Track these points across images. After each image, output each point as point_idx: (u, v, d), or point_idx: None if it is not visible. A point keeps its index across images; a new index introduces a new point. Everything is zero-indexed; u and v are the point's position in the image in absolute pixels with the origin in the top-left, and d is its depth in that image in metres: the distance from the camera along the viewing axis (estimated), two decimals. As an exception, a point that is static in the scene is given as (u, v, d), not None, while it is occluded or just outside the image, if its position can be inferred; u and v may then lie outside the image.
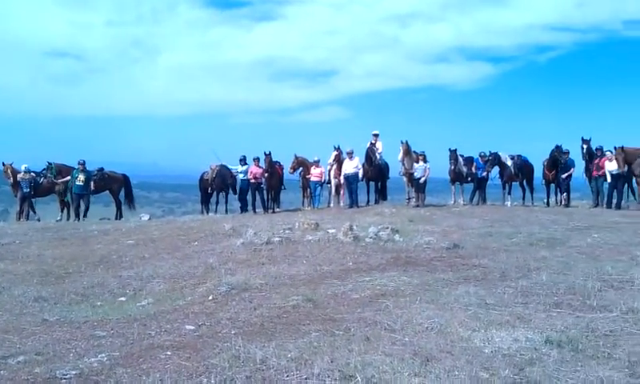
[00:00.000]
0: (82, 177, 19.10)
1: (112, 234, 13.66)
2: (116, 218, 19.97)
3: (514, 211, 16.91)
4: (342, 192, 19.79)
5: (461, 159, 19.72)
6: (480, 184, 19.73)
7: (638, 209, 16.82)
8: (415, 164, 18.64)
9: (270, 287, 7.66)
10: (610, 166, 17.47)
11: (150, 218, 18.93)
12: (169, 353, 5.06)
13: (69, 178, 19.47)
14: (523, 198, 20.09)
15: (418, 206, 18.09)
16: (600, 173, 17.94)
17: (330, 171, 19.76)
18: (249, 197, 19.36)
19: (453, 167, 19.44)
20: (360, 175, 19.00)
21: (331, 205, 19.93)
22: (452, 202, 19.79)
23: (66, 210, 20.19)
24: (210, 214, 20.11)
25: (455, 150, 19.58)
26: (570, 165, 18.77)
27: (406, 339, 5.15)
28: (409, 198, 19.32)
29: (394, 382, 4.20)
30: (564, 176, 18.68)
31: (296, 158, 20.60)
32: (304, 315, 6.19)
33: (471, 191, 20.01)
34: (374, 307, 6.32)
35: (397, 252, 9.88)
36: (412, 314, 5.89)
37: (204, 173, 21.25)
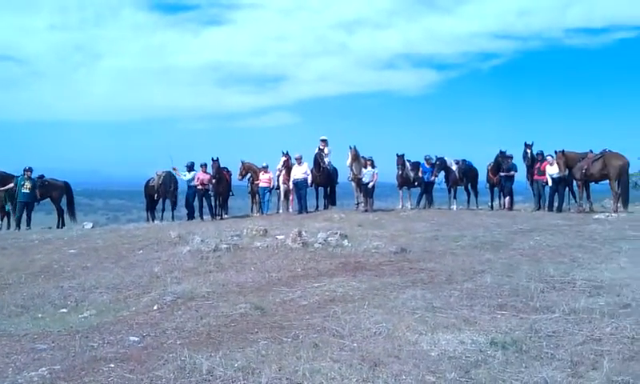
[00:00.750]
0: (28, 184, 18.44)
1: (53, 243, 13.23)
2: (58, 227, 19.33)
3: (459, 215, 17.23)
4: (290, 198, 19.75)
5: (408, 164, 19.98)
6: (427, 188, 20.04)
7: (579, 211, 17.37)
8: (363, 169, 18.76)
9: (217, 295, 7.55)
10: (551, 170, 17.99)
11: (93, 226, 18.39)
12: (112, 365, 4.92)
13: (11, 185, 18.72)
14: (468, 202, 20.53)
15: (366, 210, 18.20)
16: (542, 177, 18.48)
17: (278, 177, 19.70)
18: (196, 203, 19.09)
19: (400, 172, 19.65)
20: (309, 181, 19.00)
21: (280, 211, 19.87)
22: (400, 207, 20.00)
23: (6, 219, 19.40)
24: (155, 221, 19.81)
25: (402, 155, 19.82)
26: (512, 168, 19.28)
27: (354, 345, 5.15)
28: (357, 203, 19.43)
29: (342, 388, 4.18)
30: (503, 174, 19.14)
31: (243, 164, 20.47)
32: (252, 323, 6.12)
33: (418, 195, 20.29)
34: (323, 313, 6.30)
35: (345, 257, 9.91)
36: (360, 319, 5.90)
37: (149, 179, 20.86)
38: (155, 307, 7.22)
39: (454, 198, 20.05)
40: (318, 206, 19.93)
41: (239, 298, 7.31)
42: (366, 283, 7.75)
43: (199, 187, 18.66)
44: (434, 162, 19.78)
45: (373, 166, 18.86)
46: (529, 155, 18.99)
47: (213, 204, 19.19)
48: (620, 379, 4.21)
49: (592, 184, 17.98)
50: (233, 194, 20.77)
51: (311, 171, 19.05)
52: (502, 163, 19.15)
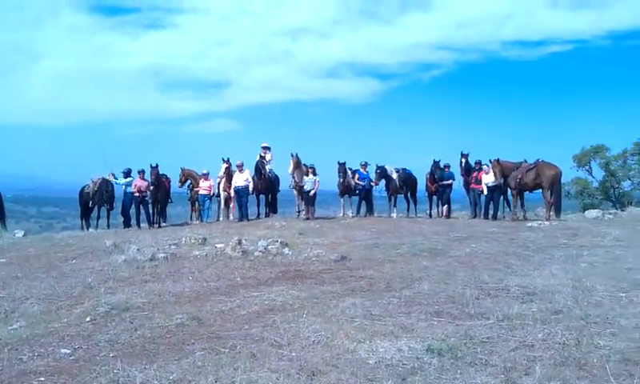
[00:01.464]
0: None
1: (-19, 252, 12.60)
2: (-14, 235, 18.45)
3: (399, 223, 17.47)
4: (231, 205, 19.56)
5: (349, 172, 20.12)
6: (367, 196, 20.26)
7: (513, 220, 17.91)
8: (305, 177, 18.78)
9: (152, 306, 7.36)
10: (487, 179, 18.51)
11: (24, 235, 17.67)
12: (42, 379, 4.78)
13: None
14: (408, 210, 20.86)
15: (308, 218, 18.21)
16: (478, 186, 18.98)
17: (219, 184, 19.48)
18: (133, 211, 18.62)
19: (342, 180, 19.76)
20: (250, 188, 18.87)
21: (220, 219, 19.64)
22: (341, 214, 20.09)
23: None
24: (90, 229, 19.25)
25: (344, 163, 19.94)
26: (450, 177, 19.74)
27: (293, 354, 5.12)
28: (299, 211, 19.43)
29: (279, 399, 4.14)
30: (442, 183, 19.59)
31: (183, 170, 20.15)
32: (188, 334, 6.00)
33: (357, 203, 20.42)
34: (262, 323, 6.24)
35: (286, 266, 9.88)
36: (299, 329, 5.87)
37: (85, 186, 20.25)
38: (88, 319, 6.97)
39: (395, 206, 20.31)
40: (259, 214, 19.81)
41: (176, 308, 7.15)
42: (306, 292, 7.73)
43: (136, 194, 18.23)
44: (364, 164, 20.09)
45: (314, 174, 18.90)
46: (463, 165, 19.50)
47: (151, 212, 18.79)
48: (551, 384, 4.33)
49: (526, 193, 18.60)
50: (172, 202, 20.40)
51: (252, 178, 18.92)
52: (435, 173, 19.61)
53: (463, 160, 19.59)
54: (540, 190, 18.04)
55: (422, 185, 20.79)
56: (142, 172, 18.44)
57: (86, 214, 20.38)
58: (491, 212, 18.53)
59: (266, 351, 5.22)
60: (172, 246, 11.58)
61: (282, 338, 5.57)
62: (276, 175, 20.07)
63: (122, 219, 19.25)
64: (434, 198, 20.46)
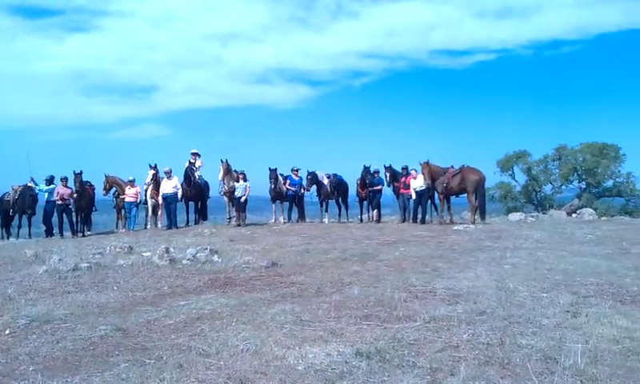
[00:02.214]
0: None
1: None
2: None
3: (330, 228, 17.58)
4: (159, 213, 19.15)
5: (281, 178, 20.11)
6: (298, 201, 20.30)
7: (440, 223, 18.38)
8: (236, 183, 18.64)
9: (75, 317, 7.05)
10: (415, 184, 18.95)
11: (-64, 246, 16.65)
12: (-48, 399, 4.44)
13: None
14: (339, 215, 21.06)
15: (239, 225, 18.07)
16: (407, 190, 19.38)
17: (146, 191, 19.04)
18: (55, 219, 17.92)
19: (273, 186, 19.74)
20: (179, 195, 18.54)
21: (148, 226, 19.19)
22: (273, 220, 20.06)
23: None
24: (11, 238, 18.48)
25: (275, 169, 19.93)
26: (379, 183, 20.07)
27: (221, 363, 5.02)
28: (229, 218, 19.26)
29: (206, 409, 4.05)
30: (372, 188, 19.88)
31: (107, 177, 19.60)
32: (112, 346, 5.78)
33: (287, 208, 20.45)
34: (189, 332, 6.09)
35: (215, 273, 9.72)
36: (228, 337, 5.77)
37: (5, 194, 19.40)
38: (7, 331, 6.60)
39: (326, 211, 20.46)
40: (188, 221, 19.54)
41: (99, 319, 6.89)
42: (236, 299, 7.63)
43: (59, 202, 17.56)
44: (295, 169, 20.18)
45: (245, 180, 18.80)
46: (388, 178, 19.84)
47: (74, 220, 18.14)
48: None
49: (452, 197, 19.14)
50: (96, 210, 19.82)
51: (181, 185, 18.62)
52: (365, 178, 19.90)
53: (387, 173, 19.91)
54: (465, 195, 18.60)
55: (352, 190, 21.05)
56: (64, 179, 17.80)
57: (6, 223, 19.54)
58: (420, 216, 18.94)
59: (193, 361, 5.09)
60: (96, 256, 11.19)
61: (210, 347, 5.46)
62: (206, 182, 19.86)
63: (44, 228, 18.51)
64: (365, 202, 20.74)
